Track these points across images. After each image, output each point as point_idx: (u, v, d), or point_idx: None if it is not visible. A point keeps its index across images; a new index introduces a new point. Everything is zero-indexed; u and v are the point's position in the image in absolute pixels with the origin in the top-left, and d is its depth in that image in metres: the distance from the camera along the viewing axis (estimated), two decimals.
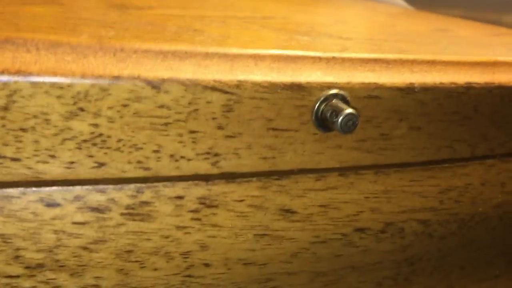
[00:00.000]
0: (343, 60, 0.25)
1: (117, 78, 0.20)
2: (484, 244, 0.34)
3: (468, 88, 0.28)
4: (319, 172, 0.26)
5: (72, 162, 0.21)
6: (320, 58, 0.25)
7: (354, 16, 0.47)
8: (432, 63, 0.27)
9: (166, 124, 0.22)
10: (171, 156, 0.23)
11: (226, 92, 0.22)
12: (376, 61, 0.26)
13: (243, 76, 0.23)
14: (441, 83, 0.27)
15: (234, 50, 0.23)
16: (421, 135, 0.28)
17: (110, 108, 0.21)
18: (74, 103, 0.20)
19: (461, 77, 0.28)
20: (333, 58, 0.25)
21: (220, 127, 0.23)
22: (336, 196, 0.27)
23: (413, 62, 0.27)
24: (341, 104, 0.24)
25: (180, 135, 0.22)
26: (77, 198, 0.22)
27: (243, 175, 0.24)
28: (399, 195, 0.29)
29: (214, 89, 0.22)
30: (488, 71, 0.29)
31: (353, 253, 0.28)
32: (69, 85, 0.20)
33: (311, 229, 0.27)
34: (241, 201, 0.25)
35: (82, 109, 0.20)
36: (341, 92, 0.25)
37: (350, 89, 0.25)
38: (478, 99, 0.29)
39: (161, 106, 0.22)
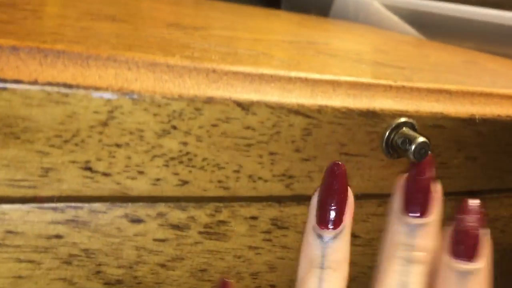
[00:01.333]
0: (412, 89, 0.26)
1: (210, 98, 0.21)
2: None
3: None
4: (382, 197, 0.27)
5: (158, 179, 0.21)
6: (391, 87, 0.25)
7: (385, 44, 0.48)
8: (490, 95, 0.28)
9: (249, 145, 0.22)
10: (250, 176, 0.23)
11: (308, 116, 0.23)
12: (440, 91, 0.27)
13: (323, 101, 0.23)
14: (498, 116, 0.28)
15: (314, 76, 0.24)
16: (476, 165, 0.29)
17: (200, 127, 0.21)
18: (169, 121, 0.20)
19: None
20: (403, 87, 0.26)
21: (297, 150, 0.23)
22: None
23: (473, 94, 0.28)
24: (413, 132, 0.25)
25: (261, 156, 0.23)
26: (159, 215, 0.22)
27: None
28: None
29: (297, 112, 0.23)
30: None
31: None
32: (167, 104, 0.20)
33: (371, 253, 0.27)
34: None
35: (175, 127, 0.21)
36: (410, 120, 0.25)
37: (418, 118, 0.25)
38: None
39: (247, 127, 0.22)
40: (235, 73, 0.22)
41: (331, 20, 0.85)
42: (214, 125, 0.21)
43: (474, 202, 0.23)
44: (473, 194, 0.30)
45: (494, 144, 0.29)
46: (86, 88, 0.19)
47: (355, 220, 0.26)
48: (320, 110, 0.23)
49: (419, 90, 0.26)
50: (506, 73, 0.41)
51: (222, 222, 0.23)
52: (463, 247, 0.22)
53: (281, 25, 0.50)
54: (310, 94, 0.23)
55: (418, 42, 0.61)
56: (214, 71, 0.22)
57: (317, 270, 0.21)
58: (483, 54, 0.54)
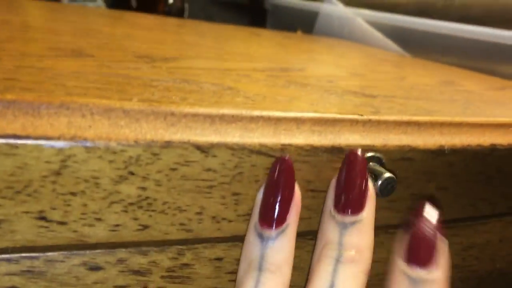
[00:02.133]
0: (379, 122, 0.26)
1: (168, 142, 0.21)
2: None
3: (493, 150, 0.29)
4: None
5: (117, 225, 0.21)
6: (357, 121, 0.25)
7: (364, 66, 0.48)
8: (459, 125, 0.28)
9: (211, 187, 0.22)
10: (213, 217, 0.22)
11: (271, 156, 0.23)
12: (408, 123, 0.27)
13: (286, 140, 0.23)
14: (468, 145, 0.28)
15: (278, 114, 0.23)
16: (448, 195, 0.28)
17: (159, 172, 0.21)
18: (125, 167, 0.20)
19: (486, 139, 0.29)
20: (369, 121, 0.25)
21: None
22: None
23: (442, 124, 0.28)
24: (379, 168, 0.24)
25: (223, 197, 0.22)
26: (119, 261, 0.21)
27: None
28: None
29: (259, 153, 0.22)
30: (510, 132, 0.30)
31: None
32: (122, 150, 0.20)
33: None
34: None
35: (132, 173, 0.20)
36: (377, 154, 0.25)
37: (385, 152, 0.25)
38: (502, 160, 0.29)
39: (208, 170, 0.22)
40: (195, 115, 0.22)
41: (315, 37, 0.85)
42: (173, 169, 0.21)
43: (432, 208, 0.22)
44: (448, 223, 0.30)
45: (465, 173, 0.28)
46: (36, 138, 0.19)
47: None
48: (283, 149, 0.23)
49: (386, 123, 0.26)
50: (481, 94, 0.41)
51: (186, 265, 0.23)
52: (418, 253, 0.21)
53: (259, 48, 0.50)
54: (273, 133, 0.23)
55: (399, 60, 0.61)
56: (172, 114, 0.21)
57: (254, 272, 0.20)
58: (462, 71, 0.54)
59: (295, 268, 0.25)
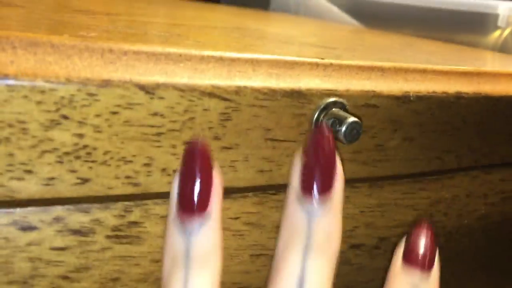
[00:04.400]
0: (340, 67, 0.24)
1: (106, 82, 0.18)
2: (467, 257, 0.33)
3: (458, 98, 0.27)
4: None
5: (52, 178, 0.18)
6: (317, 64, 0.23)
7: (321, 30, 0.46)
8: (424, 72, 0.27)
9: (159, 134, 0.20)
10: (163, 170, 0.20)
11: (225, 99, 0.20)
12: (372, 68, 0.25)
13: (242, 82, 0.21)
14: (434, 92, 0.26)
15: (231, 54, 0.21)
16: (414, 146, 0.27)
17: (97, 116, 0.18)
18: (57, 110, 0.18)
19: (451, 87, 0.27)
20: (331, 64, 0.24)
21: (216, 138, 0.21)
22: None
23: (406, 71, 0.26)
24: (343, 113, 0.23)
25: (174, 146, 0.20)
26: (56, 219, 0.19)
27: (239, 190, 0.22)
28: (392, 209, 0.28)
29: (212, 95, 0.20)
30: (474, 81, 0.29)
31: (348, 271, 0.27)
32: (52, 89, 0.17)
33: None
34: (236, 218, 0.23)
35: (65, 117, 0.18)
36: (341, 100, 0.23)
37: (348, 97, 0.23)
38: (467, 109, 0.28)
39: (155, 114, 0.19)
40: (137, 53, 0.19)
41: (271, 13, 0.83)
42: (114, 113, 0.18)
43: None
44: (415, 177, 0.28)
45: (431, 122, 0.27)
46: None
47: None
48: (239, 91, 0.21)
49: (349, 67, 0.24)
50: (441, 52, 0.40)
51: (134, 223, 0.20)
52: (420, 256, 0.21)
53: (214, 14, 0.48)
54: (226, 75, 0.21)
55: (356, 30, 0.60)
56: (110, 51, 0.19)
57: (181, 271, 0.18)
58: (421, 39, 0.53)
59: (255, 225, 0.23)
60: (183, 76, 0.20)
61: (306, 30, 0.43)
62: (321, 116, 0.23)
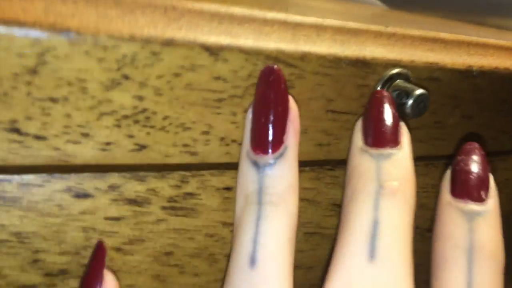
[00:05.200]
0: (404, 36, 0.22)
1: (170, 40, 0.17)
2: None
3: None
4: None
5: (109, 143, 0.17)
6: (381, 33, 0.22)
7: (342, 11, 0.44)
8: (486, 46, 0.25)
9: (220, 100, 0.18)
10: (222, 139, 0.19)
11: (290, 65, 0.19)
12: (435, 40, 0.23)
13: (307, 47, 0.19)
14: (496, 68, 0.25)
15: (295, 18, 0.20)
16: (472, 125, 0.26)
17: (159, 77, 0.17)
18: (118, 69, 0.16)
19: None
20: (395, 34, 0.22)
21: None
22: None
23: (469, 44, 0.25)
24: (410, 84, 0.21)
25: (234, 114, 0.19)
26: (112, 187, 0.18)
27: None
28: None
29: (277, 60, 0.19)
30: None
31: None
32: (115, 46, 0.16)
33: None
34: None
35: (126, 77, 0.16)
36: (405, 71, 0.22)
37: (412, 69, 0.22)
38: None
39: (218, 78, 0.18)
40: (200, 12, 0.18)
41: None
42: (176, 75, 0.17)
43: (475, 144, 0.20)
44: None
45: (490, 100, 0.26)
46: (6, 23, 0.14)
47: (340, 186, 0.23)
48: (304, 57, 0.19)
49: (412, 38, 0.23)
50: (492, 31, 0.38)
51: (190, 195, 0.19)
52: (471, 187, 0.19)
53: None
54: (291, 39, 0.19)
55: (381, 11, 0.58)
56: (173, 8, 0.17)
57: (253, 207, 0.17)
58: (454, 22, 0.51)
59: (311, 202, 0.22)
60: (248, 38, 0.18)
61: (338, 9, 0.41)
62: (386, 87, 0.21)
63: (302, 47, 0.19)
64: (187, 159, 0.19)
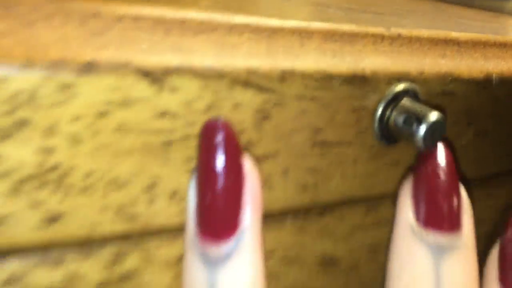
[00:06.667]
0: (410, 39, 0.17)
1: (90, 65, 0.11)
2: None
3: None
4: (371, 201, 0.18)
5: (4, 217, 0.12)
6: (383, 37, 0.17)
7: None
8: (505, 46, 0.20)
9: (168, 143, 0.13)
10: (172, 194, 0.14)
11: (264, 90, 0.14)
12: (447, 42, 0.18)
13: (287, 63, 0.14)
14: None
15: (272, 22, 0.14)
16: (486, 143, 0.21)
17: (76, 119, 0.11)
18: (11, 111, 0.11)
19: None
20: (399, 36, 0.17)
21: (250, 144, 0.14)
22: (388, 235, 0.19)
23: (485, 45, 0.20)
24: (420, 105, 0.16)
25: (189, 159, 0.13)
26: (11, 280, 0.12)
27: (275, 214, 0.16)
28: None
29: (248, 84, 0.13)
30: None
31: None
32: (4, 78, 0.10)
33: (358, 282, 0.19)
34: (270, 253, 0.16)
35: (24, 123, 0.11)
36: (413, 86, 0.17)
37: (422, 82, 0.17)
38: None
39: (163, 114, 0.13)
40: (136, 19, 0.12)
41: None
42: (101, 114, 0.12)
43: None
44: (481, 181, 0.22)
45: (507, 112, 0.21)
46: None
47: (335, 238, 0.18)
48: (284, 77, 0.14)
49: (420, 40, 0.18)
50: (487, 21, 0.34)
51: (130, 275, 0.14)
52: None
53: None
54: (266, 52, 0.14)
55: None
56: (96, 15, 0.12)
57: None
58: (443, 4, 0.46)
59: (293, 261, 0.17)
60: (205, 55, 0.13)
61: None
62: (389, 110, 0.16)
63: (281, 63, 0.14)
64: (123, 226, 0.13)
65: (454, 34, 0.19)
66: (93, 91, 0.11)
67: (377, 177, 0.18)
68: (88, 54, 0.11)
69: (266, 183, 0.15)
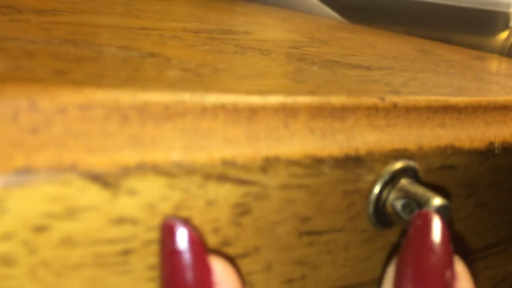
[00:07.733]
0: (407, 109, 0.15)
1: (22, 172, 0.09)
2: None
3: None
4: (362, 287, 0.16)
5: None
6: (377, 108, 0.15)
7: (318, 32, 0.37)
8: (505, 108, 0.19)
9: (125, 252, 0.11)
10: None
11: (244, 182, 0.12)
12: (446, 109, 0.17)
13: (271, 150, 0.12)
14: None
15: (252, 99, 0.12)
16: (485, 214, 0.19)
17: (6, 237, 0.09)
18: None
19: None
20: (395, 106, 0.15)
21: (226, 243, 0.12)
22: None
23: (485, 109, 0.18)
24: (421, 188, 0.14)
25: (152, 267, 0.11)
26: None
27: None
28: None
29: (223, 177, 0.11)
30: None
31: None
32: None
33: None
34: None
35: None
36: (412, 164, 0.15)
37: (421, 158, 0.15)
38: None
39: (120, 221, 0.10)
40: (85, 107, 0.10)
41: (238, 2, 0.74)
42: (38, 229, 0.09)
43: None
44: (479, 253, 0.20)
45: (508, 180, 0.19)
46: None
47: None
48: (266, 167, 0.12)
49: (417, 109, 0.16)
50: (472, 65, 0.32)
51: None
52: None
53: (182, 7, 0.38)
54: (244, 138, 0.12)
55: (347, 27, 0.51)
56: (33, 106, 0.10)
57: None
58: (420, 40, 0.45)
59: None
60: (172, 148, 0.11)
61: (302, 32, 0.34)
62: (385, 193, 0.14)
63: (263, 150, 0.12)
64: None
65: (454, 100, 0.17)
66: (27, 205, 0.09)
67: (370, 262, 0.16)
68: (20, 158, 0.09)
69: (247, 283, 0.13)
